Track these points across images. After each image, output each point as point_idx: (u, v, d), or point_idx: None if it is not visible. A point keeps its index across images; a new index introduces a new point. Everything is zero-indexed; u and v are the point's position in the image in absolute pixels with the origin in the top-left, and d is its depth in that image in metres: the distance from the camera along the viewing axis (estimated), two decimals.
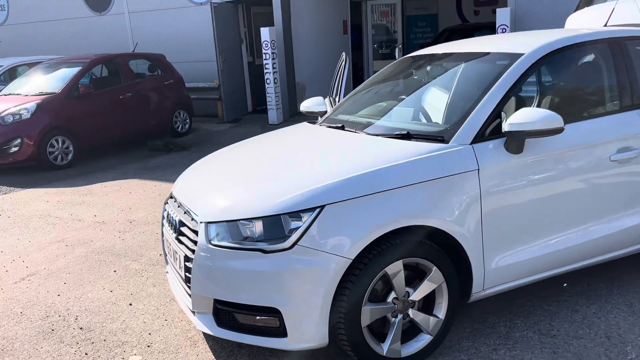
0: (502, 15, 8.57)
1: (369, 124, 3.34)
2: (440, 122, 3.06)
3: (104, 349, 3.09)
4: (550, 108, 3.36)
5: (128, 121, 9.39)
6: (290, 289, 2.48)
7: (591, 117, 3.17)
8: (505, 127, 2.77)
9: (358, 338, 2.58)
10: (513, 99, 3.06)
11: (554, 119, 2.74)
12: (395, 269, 2.61)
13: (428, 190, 2.65)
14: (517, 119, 2.75)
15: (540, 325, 3.10)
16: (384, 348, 2.66)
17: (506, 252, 2.89)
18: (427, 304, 2.81)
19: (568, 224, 3.05)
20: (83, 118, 8.67)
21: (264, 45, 10.42)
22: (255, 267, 2.50)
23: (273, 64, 10.53)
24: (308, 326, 2.50)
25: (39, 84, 8.91)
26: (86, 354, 3.04)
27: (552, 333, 3.02)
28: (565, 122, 2.87)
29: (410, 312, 2.72)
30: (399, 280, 2.64)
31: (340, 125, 3.47)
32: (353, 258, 2.48)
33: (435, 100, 3.31)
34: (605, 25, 4.45)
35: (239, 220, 2.58)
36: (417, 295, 2.72)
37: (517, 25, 9.04)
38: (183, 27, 11.99)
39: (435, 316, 2.79)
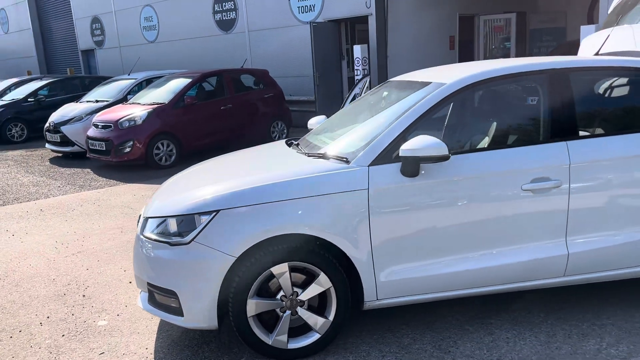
0: (587, 32, 8.17)
1: (310, 144, 3.74)
2: (356, 145, 3.38)
3: (88, 312, 3.88)
4: (465, 136, 3.53)
5: (227, 129, 10.50)
6: (185, 277, 3.02)
7: (507, 147, 3.27)
8: (399, 152, 3.05)
9: (244, 326, 3.05)
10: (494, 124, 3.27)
11: (439, 147, 2.96)
12: (281, 270, 3.02)
13: (318, 204, 3.03)
14: (409, 145, 3.01)
15: (445, 342, 3.27)
16: (271, 338, 3.08)
17: (398, 267, 3.13)
18: (321, 306, 3.17)
19: (468, 247, 3.18)
20: (186, 125, 9.92)
21: (355, 61, 10.95)
22: (163, 256, 3.09)
23: (364, 76, 11.00)
24: (199, 309, 3.03)
25: (154, 95, 10.38)
26: (73, 314, 3.87)
27: (449, 350, 3.19)
28: (477, 150, 3.05)
29: (299, 310, 3.11)
30: (285, 280, 3.05)
31: (296, 144, 3.92)
32: (237, 256, 2.96)
33: (366, 125, 3.62)
34: (597, 53, 4.35)
35: (161, 217, 3.19)
36: (305, 295, 3.09)
37: None
38: (290, 44, 12.96)
39: (325, 317, 3.14)
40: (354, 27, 12.81)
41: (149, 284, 3.23)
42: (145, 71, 13.50)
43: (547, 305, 3.66)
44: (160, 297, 3.20)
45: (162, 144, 9.68)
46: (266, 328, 3.13)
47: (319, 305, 3.18)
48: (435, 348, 3.21)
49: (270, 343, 3.09)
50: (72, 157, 11.21)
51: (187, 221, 3.07)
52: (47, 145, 11.55)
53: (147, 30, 17.30)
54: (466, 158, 3.17)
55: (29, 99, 14.63)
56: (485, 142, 3.40)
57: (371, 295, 3.16)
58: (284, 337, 3.10)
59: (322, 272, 3.07)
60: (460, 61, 13.72)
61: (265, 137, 11.10)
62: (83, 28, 20.37)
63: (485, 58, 14.12)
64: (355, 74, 11.05)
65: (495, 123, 3.47)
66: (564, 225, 3.25)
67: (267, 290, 3.10)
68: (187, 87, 10.20)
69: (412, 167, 3.06)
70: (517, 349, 3.16)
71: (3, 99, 15.22)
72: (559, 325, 3.40)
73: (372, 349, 3.23)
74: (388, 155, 3.13)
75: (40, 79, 16.22)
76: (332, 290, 3.11)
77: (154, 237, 3.16)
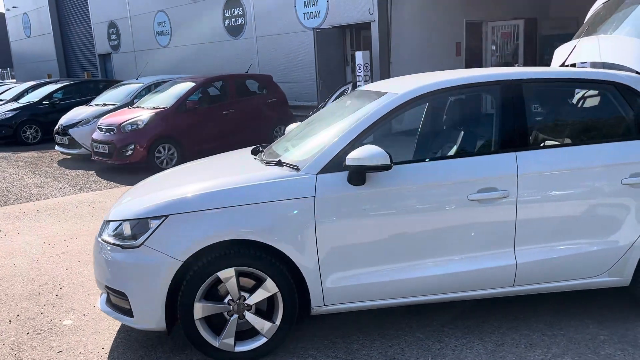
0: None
1: (273, 152, 3.82)
2: (309, 153, 3.44)
3: (57, 311, 4.01)
4: (417, 146, 3.57)
5: (229, 133, 10.63)
6: (135, 279, 3.12)
7: (456, 157, 3.31)
8: (346, 161, 3.11)
9: (191, 328, 3.13)
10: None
11: (382, 157, 3.01)
12: (227, 275, 3.10)
13: (264, 210, 3.10)
14: (354, 155, 3.07)
15: (392, 349, 3.31)
16: (218, 341, 3.16)
17: (344, 273, 3.19)
18: (270, 310, 3.24)
19: (415, 255, 3.23)
20: (187, 129, 10.08)
21: (357, 67, 11.01)
22: (116, 258, 3.20)
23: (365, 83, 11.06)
24: (148, 311, 3.13)
25: (158, 99, 10.57)
26: (42, 313, 4.00)
27: (394, 357, 3.23)
28: (423, 160, 3.11)
29: (247, 314, 3.19)
30: (232, 284, 3.13)
31: (262, 151, 4.00)
32: (183, 261, 3.05)
33: (322, 134, 3.68)
34: (563, 64, 4.35)
35: (118, 220, 3.30)
36: (252, 300, 3.17)
37: None
38: (296, 50, 13.09)
39: (273, 322, 3.21)
40: (359, 33, 12.87)
41: (105, 285, 3.34)
42: (154, 75, 13.76)
43: (505, 313, 3.67)
44: (115, 299, 3.31)
45: (164, 148, 9.85)
46: (215, 331, 3.20)
47: (267, 309, 3.25)
48: (381, 355, 3.25)
49: (217, 345, 3.17)
50: (80, 159, 11.47)
51: (140, 225, 3.17)
52: (56, 147, 11.84)
53: (160, 35, 17.60)
54: (413, 168, 3.22)
55: (43, 102, 15.00)
56: (437, 151, 3.44)
57: (318, 300, 3.22)
58: (231, 340, 3.18)
59: (268, 277, 3.14)
60: (467, 67, 13.68)
61: (267, 142, 11.21)
62: (100, 33, 20.81)
63: (493, 64, 14.06)
64: (357, 80, 11.11)
65: (448, 133, 3.51)
66: (512, 236, 3.27)
67: (216, 294, 3.18)
68: (190, 92, 10.37)
69: (357, 175, 3.11)
70: (461, 357, 3.19)
71: (19, 101, 15.64)
72: (510, 334, 3.42)
73: (320, 354, 3.29)
74: (337, 163, 3.19)
75: (56, 82, 16.62)
76: (279, 295, 3.18)
77: (109, 240, 3.27)
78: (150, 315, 3.13)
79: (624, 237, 3.35)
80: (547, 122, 3.61)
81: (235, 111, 10.79)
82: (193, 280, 3.08)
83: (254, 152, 4.00)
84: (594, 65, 4.17)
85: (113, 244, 3.23)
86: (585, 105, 3.80)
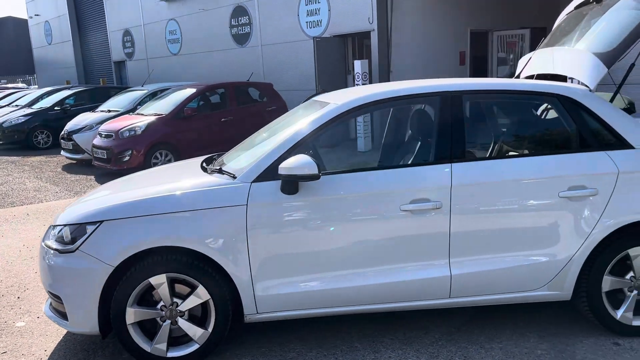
0: None
1: (222, 160, 3.85)
2: (248, 162, 3.47)
3: (14, 313, 4.11)
4: (361, 154, 3.57)
5: (226, 140, 10.71)
6: (70, 283, 3.19)
7: (391, 167, 3.31)
8: (278, 170, 3.14)
9: (123, 333, 3.19)
10: None
11: (309, 166, 3.04)
12: (159, 281, 3.15)
13: (197, 218, 3.15)
14: (285, 164, 3.10)
15: (327, 359, 3.32)
16: (150, 346, 3.21)
17: (277, 281, 3.21)
18: (204, 317, 3.28)
19: (348, 265, 3.23)
20: (185, 136, 10.22)
21: (356, 76, 11.03)
22: (55, 262, 3.27)
23: None
24: (81, 315, 3.19)
25: (157, 107, 10.74)
26: None
27: None
28: (356, 170, 3.15)
29: (179, 320, 3.23)
30: (164, 290, 3.18)
31: (214, 159, 4.05)
32: (115, 266, 3.11)
33: (265, 142, 3.70)
34: (518, 75, 4.32)
35: (60, 225, 3.37)
36: (185, 306, 3.21)
37: None
38: (298, 59, 13.16)
39: (205, 328, 3.24)
40: (362, 42, 12.90)
41: (47, 290, 3.42)
42: (163, 83, 13.98)
43: (449, 325, 3.65)
44: (54, 303, 3.38)
45: (161, 154, 9.99)
46: (150, 336, 3.25)
47: (202, 316, 3.29)
48: None
49: (149, 351, 3.21)
50: (85, 164, 11.69)
51: (78, 230, 3.24)
52: (62, 152, 12.09)
53: (172, 43, 17.88)
54: (345, 178, 3.24)
55: (55, 108, 15.33)
56: (376, 161, 3.45)
57: (251, 308, 3.25)
58: (163, 346, 3.22)
59: (200, 285, 3.18)
60: (472, 76, 13.59)
61: None
62: (116, 40, 21.22)
63: (506, 75, 13.95)
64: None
65: (390, 144, 3.52)
66: (446, 247, 3.26)
67: (150, 300, 3.23)
68: (188, 99, 10.51)
69: (289, 185, 3.14)
70: None
71: (33, 107, 16.02)
72: (447, 346, 3.39)
73: None
74: (272, 172, 3.22)
75: (69, 88, 16.98)
76: (211, 303, 3.21)
77: (51, 244, 3.35)
78: (84, 319, 3.19)
79: (562, 250, 3.31)
80: (486, 133, 3.59)
81: (234, 119, 10.90)
82: (125, 286, 3.14)
83: (209, 161, 4.05)
84: (546, 77, 4.13)
85: (54, 249, 3.30)
86: (529, 117, 3.77)
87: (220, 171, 3.46)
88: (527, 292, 3.38)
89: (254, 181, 3.22)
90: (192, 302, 3.21)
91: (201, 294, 3.20)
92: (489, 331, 3.55)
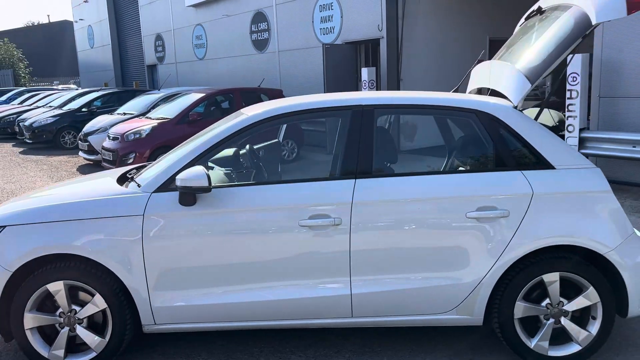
0: (575, 62, 7.69)
1: (141, 169, 3.85)
2: (156, 171, 3.45)
3: None
4: (265, 168, 3.53)
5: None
6: None
7: (292, 181, 3.23)
8: (175, 181, 3.12)
9: (22, 338, 3.23)
10: None
11: (200, 179, 3.01)
12: (57, 287, 3.19)
13: (94, 226, 3.16)
14: (181, 175, 3.08)
15: None
16: (48, 352, 3.24)
17: (174, 293, 3.19)
18: (103, 325, 3.28)
19: (246, 279, 3.17)
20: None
21: (363, 84, 10.93)
22: None
23: None
24: None
25: (165, 111, 10.94)
26: None
27: None
28: (257, 183, 3.13)
29: (78, 327, 3.25)
30: (61, 297, 3.20)
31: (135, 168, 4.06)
32: (12, 271, 3.16)
33: (177, 152, 3.67)
34: (456, 90, 4.16)
35: None
36: (82, 314, 3.23)
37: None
38: (312, 65, 13.15)
39: (103, 337, 3.25)
40: (376, 49, 12.77)
41: None
42: (177, 87, 14.24)
43: (363, 344, 3.54)
44: None
45: None
46: (50, 342, 3.28)
47: (102, 324, 3.30)
48: None
49: (46, 356, 3.25)
50: (99, 165, 12.01)
51: None
52: (79, 153, 12.48)
53: (198, 48, 18.20)
54: (243, 191, 3.19)
55: (82, 109, 15.85)
56: (284, 175, 3.39)
57: (148, 319, 3.24)
58: (61, 352, 3.25)
59: (97, 293, 3.19)
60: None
61: None
62: (148, 44, 21.78)
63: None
64: None
65: (295, 156, 3.45)
66: (346, 265, 3.16)
67: (51, 306, 3.26)
68: (194, 104, 10.66)
69: (185, 196, 3.12)
70: None
71: (63, 108, 16.61)
72: None
73: None
74: (173, 183, 3.20)
75: (98, 91, 17.54)
76: (108, 311, 3.22)
77: None
78: None
79: (470, 273, 3.15)
80: (397, 149, 3.46)
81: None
82: (24, 291, 3.18)
83: (140, 169, 4.07)
84: (483, 92, 3.97)
85: None
86: (443, 134, 3.62)
87: (132, 180, 3.47)
88: (434, 316, 3.24)
89: (155, 191, 3.21)
90: (89, 310, 3.23)
91: (98, 303, 3.21)
92: (405, 353, 3.42)
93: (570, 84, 7.65)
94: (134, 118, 11.68)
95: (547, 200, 3.14)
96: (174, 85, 19.31)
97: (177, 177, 3.08)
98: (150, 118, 10.89)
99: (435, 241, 3.15)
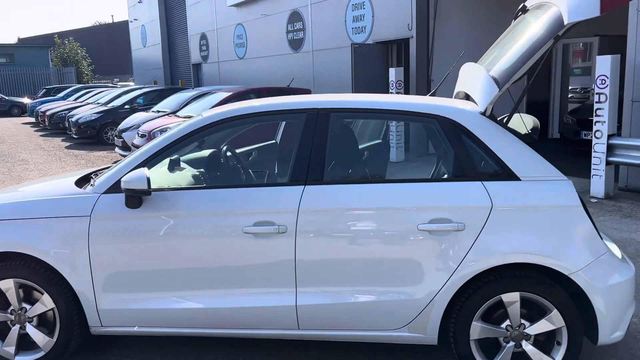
0: (601, 62, 7.23)
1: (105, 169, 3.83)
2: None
3: None
4: (209, 172, 3.44)
5: (255, 144, 10.84)
6: None
7: (239, 186, 3.13)
8: (121, 183, 3.08)
9: None
10: None
11: (139, 181, 2.95)
12: (7, 286, 3.21)
13: (41, 226, 3.15)
14: (125, 177, 3.03)
15: None
16: None
17: (119, 296, 3.15)
18: (54, 324, 3.29)
19: (190, 286, 3.10)
20: None
21: (390, 84, 10.69)
22: None
23: None
24: None
25: (191, 109, 11.07)
26: None
27: None
28: (204, 187, 3.07)
29: (27, 326, 3.26)
30: (12, 295, 3.23)
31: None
32: None
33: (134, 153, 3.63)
34: (433, 94, 3.93)
35: None
36: (32, 312, 3.25)
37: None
38: (343, 64, 12.99)
39: (51, 336, 3.25)
40: (408, 49, 12.48)
41: None
42: (212, 86, 14.40)
43: (319, 358, 3.40)
44: None
45: None
46: (2, 338, 3.31)
47: (53, 323, 3.30)
48: None
49: None
50: None
51: None
52: (115, 149, 12.83)
53: (238, 47, 18.38)
54: (188, 195, 3.11)
55: (125, 106, 16.31)
56: (235, 179, 3.29)
57: (95, 321, 3.22)
58: (12, 349, 3.27)
59: (45, 292, 3.20)
60: (529, 90, 12.65)
61: None
62: (194, 44, 22.18)
63: (563, 83, 12.92)
64: None
65: (244, 161, 3.35)
66: (292, 275, 3.03)
67: (3, 302, 3.29)
68: (221, 103, 10.72)
69: (130, 198, 3.07)
70: None
71: (107, 105, 17.15)
72: None
73: None
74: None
75: (141, 88, 18.01)
76: (56, 311, 3.22)
77: None
78: None
79: (422, 289, 2.96)
80: (353, 156, 3.28)
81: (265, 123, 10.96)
82: None
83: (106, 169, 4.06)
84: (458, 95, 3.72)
85: None
86: (403, 140, 3.40)
87: (89, 181, 3.46)
88: (385, 332, 3.06)
89: (105, 192, 3.18)
90: (38, 309, 3.24)
91: (46, 302, 3.21)
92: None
93: (598, 87, 7.18)
94: (165, 116, 11.89)
95: (508, 214, 2.90)
96: (217, 84, 19.58)
97: (122, 179, 3.04)
98: (178, 116, 11.04)
99: (385, 254, 2.97)
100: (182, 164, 3.81)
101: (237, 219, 3.03)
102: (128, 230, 3.11)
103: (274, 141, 3.73)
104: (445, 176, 3.09)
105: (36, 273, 3.18)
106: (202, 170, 3.68)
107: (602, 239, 3.00)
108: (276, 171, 3.17)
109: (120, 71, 60.76)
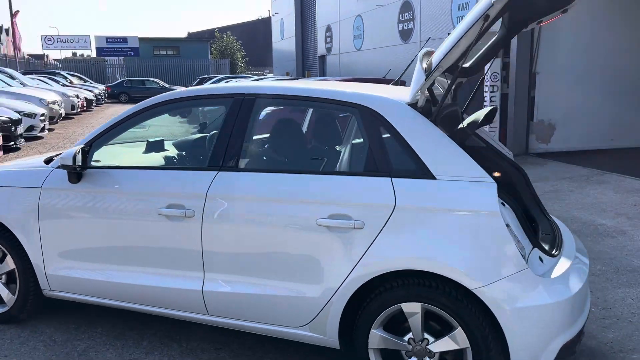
0: None
1: None
2: None
3: None
4: (139, 156, 3.54)
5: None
6: None
7: (162, 168, 3.18)
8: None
9: None
10: None
11: (67, 158, 3.14)
12: None
13: (5, 193, 3.49)
14: (62, 154, 3.25)
15: (109, 348, 3.39)
16: None
17: (62, 264, 3.39)
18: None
19: (121, 260, 3.22)
20: None
21: (485, 77, 9.99)
22: None
23: (492, 97, 9.99)
24: None
25: None
26: None
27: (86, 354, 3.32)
28: (131, 167, 3.21)
29: None
30: None
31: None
32: None
33: None
34: (396, 83, 3.59)
35: None
36: (0, 270, 3.61)
37: None
38: None
39: (13, 294, 3.59)
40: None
41: None
42: (328, 77, 14.59)
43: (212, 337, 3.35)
44: None
45: None
46: None
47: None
48: (78, 354, 3.34)
49: None
50: None
51: None
52: None
53: (356, 39, 18.40)
54: (115, 174, 3.23)
55: None
56: (158, 162, 3.36)
57: (45, 284, 3.50)
58: None
59: (8, 254, 3.55)
60: None
61: None
62: (321, 36, 22.65)
63: None
64: (484, 90, 10.09)
65: (195, 144, 3.37)
66: (199, 260, 3.02)
67: None
68: None
69: (69, 174, 3.28)
70: None
71: None
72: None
73: (54, 337, 3.55)
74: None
75: (236, 79, 18.86)
76: (17, 272, 3.55)
77: None
78: None
79: (320, 288, 2.77)
80: (273, 143, 3.12)
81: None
82: None
83: None
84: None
85: None
86: (322, 129, 3.15)
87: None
88: (289, 329, 2.93)
89: (58, 167, 3.43)
90: (3, 268, 3.60)
91: (9, 263, 3.56)
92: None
93: None
94: None
95: (413, 215, 2.61)
96: (337, 75, 19.81)
97: (60, 155, 3.25)
98: None
99: (285, 247, 2.83)
100: (167, 146, 3.98)
101: (154, 200, 3.09)
102: (68, 203, 3.32)
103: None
104: (356, 170, 2.85)
105: (1, 236, 3.54)
106: (148, 153, 3.81)
107: (555, 255, 2.56)
108: (206, 157, 3.17)
109: (271, 63, 63.98)
